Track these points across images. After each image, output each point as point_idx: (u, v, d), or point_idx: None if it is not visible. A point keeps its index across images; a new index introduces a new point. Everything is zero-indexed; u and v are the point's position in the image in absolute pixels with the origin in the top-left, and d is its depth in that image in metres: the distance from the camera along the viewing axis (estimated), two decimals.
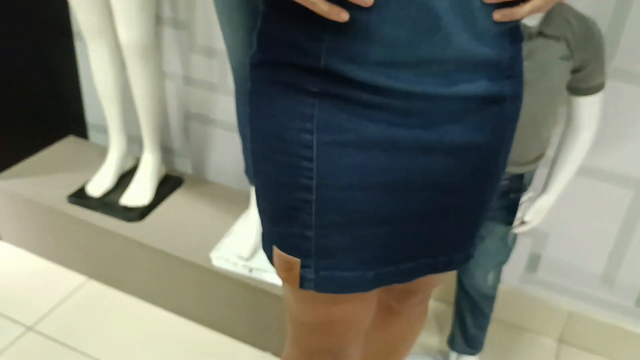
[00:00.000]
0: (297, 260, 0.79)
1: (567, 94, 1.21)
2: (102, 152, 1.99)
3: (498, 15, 0.68)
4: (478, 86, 0.72)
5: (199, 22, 1.72)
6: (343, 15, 0.64)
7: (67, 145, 2.04)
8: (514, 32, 0.73)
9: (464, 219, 0.83)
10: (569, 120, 1.24)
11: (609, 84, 1.34)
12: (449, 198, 0.79)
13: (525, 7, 0.68)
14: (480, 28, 0.67)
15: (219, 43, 1.72)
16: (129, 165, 1.87)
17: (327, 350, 0.94)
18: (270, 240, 0.83)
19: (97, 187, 1.76)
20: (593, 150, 1.42)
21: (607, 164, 1.44)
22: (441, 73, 0.69)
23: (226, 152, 1.90)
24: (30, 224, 1.82)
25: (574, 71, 1.14)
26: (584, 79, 1.16)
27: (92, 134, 2.14)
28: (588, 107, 1.20)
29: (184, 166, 2.00)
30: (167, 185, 1.83)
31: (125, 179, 1.83)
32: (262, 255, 1.58)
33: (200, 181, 1.91)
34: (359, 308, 0.89)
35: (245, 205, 1.77)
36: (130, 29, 1.52)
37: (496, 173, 0.83)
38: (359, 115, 0.70)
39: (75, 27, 1.96)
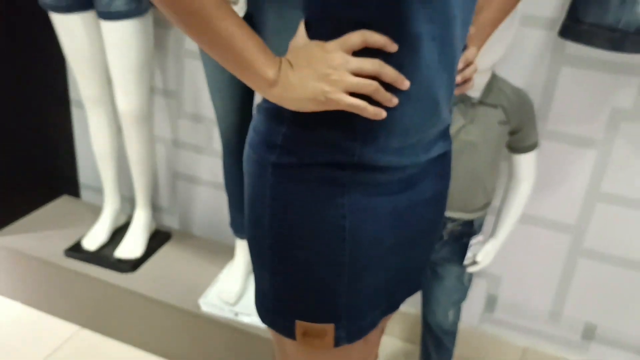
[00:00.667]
0: (331, 326, 0.87)
1: (508, 151, 1.44)
2: (94, 210, 2.15)
3: (458, 91, 0.89)
4: (440, 147, 0.89)
5: (187, 91, 1.93)
6: (383, 114, 0.74)
7: (61, 204, 2.19)
8: None
9: (430, 248, 1.02)
10: (511, 174, 1.46)
11: (545, 143, 1.57)
12: (428, 236, 0.97)
13: (470, 84, 0.91)
14: (451, 103, 0.88)
15: (205, 110, 1.93)
16: (121, 221, 2.03)
17: None
18: (293, 315, 0.88)
19: (93, 241, 1.91)
20: (534, 200, 1.64)
21: (547, 212, 1.66)
22: (427, 144, 0.85)
23: (210, 208, 2.08)
24: (26, 278, 1.95)
25: (511, 133, 1.37)
26: (520, 140, 1.39)
27: (84, 193, 2.30)
28: (525, 163, 1.42)
29: (171, 222, 2.16)
30: (157, 239, 1.99)
31: (118, 234, 1.98)
32: (246, 301, 1.74)
33: (186, 235, 2.07)
34: (369, 348, 1.03)
35: (229, 256, 1.93)
36: (128, 98, 1.71)
37: (445, 210, 1.02)
38: (374, 194, 0.82)
39: (73, 95, 2.15)
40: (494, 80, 1.33)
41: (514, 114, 1.34)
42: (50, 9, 1.65)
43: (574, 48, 1.46)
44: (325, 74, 0.72)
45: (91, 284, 1.84)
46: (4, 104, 1.94)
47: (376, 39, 0.71)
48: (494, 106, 1.32)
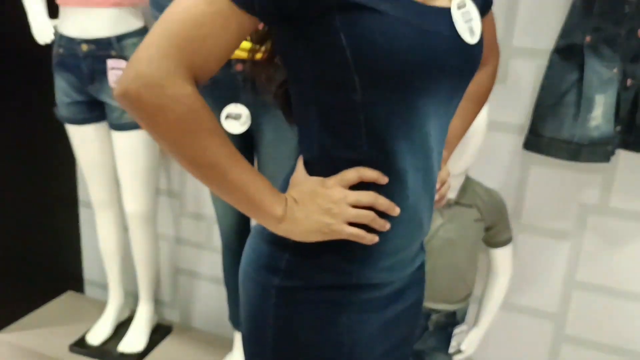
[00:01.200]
0: None
1: (485, 246, 1.56)
2: (98, 305, 2.24)
3: (435, 206, 0.95)
4: (420, 257, 0.97)
5: (189, 192, 2.08)
6: (377, 239, 0.82)
7: (66, 300, 2.28)
8: None
9: (411, 346, 1.10)
10: (490, 267, 1.58)
11: (522, 236, 1.70)
12: (409, 337, 1.05)
13: (444, 200, 1.03)
14: (431, 219, 0.93)
15: (206, 209, 2.06)
16: (125, 315, 2.12)
17: None
18: None
19: (97, 336, 1.99)
20: (516, 289, 1.74)
21: (529, 301, 1.76)
22: (412, 258, 0.92)
23: (210, 302, 2.17)
24: None
25: (487, 229, 1.50)
26: (495, 235, 1.52)
27: (88, 289, 2.39)
28: (502, 256, 1.55)
29: (172, 315, 2.25)
30: (158, 333, 2.07)
31: (121, 327, 2.06)
32: None
33: (187, 329, 2.16)
34: None
35: (228, 348, 2.00)
36: (135, 201, 1.85)
37: (421, 311, 1.09)
38: (368, 310, 0.89)
39: (80, 197, 2.29)
40: (468, 183, 1.47)
41: (488, 212, 1.47)
42: (67, 122, 1.82)
43: None
44: (328, 208, 0.79)
45: None
46: (15, 203, 2.07)
47: (369, 174, 0.80)
48: (469, 206, 1.46)
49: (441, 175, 0.99)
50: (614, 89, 1.28)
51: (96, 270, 2.36)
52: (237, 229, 1.68)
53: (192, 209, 2.09)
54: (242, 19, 0.72)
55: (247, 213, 0.82)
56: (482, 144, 1.44)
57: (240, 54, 1.41)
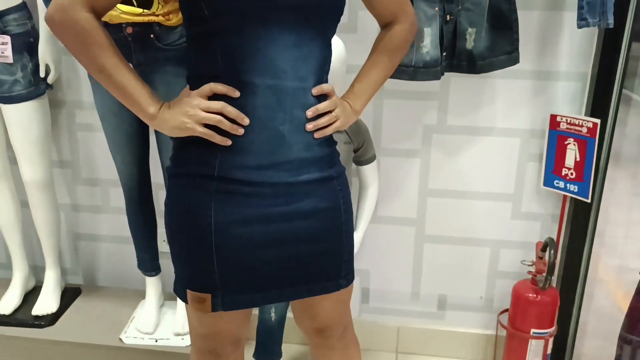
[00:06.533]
0: (208, 295, 1.14)
1: (355, 165, 1.89)
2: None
3: (317, 135, 1.14)
4: (314, 174, 1.14)
5: (82, 160, 2.20)
6: (228, 142, 1.06)
7: None
8: (329, 140, 1.21)
9: (325, 258, 1.21)
10: (360, 183, 1.91)
11: (382, 158, 2.05)
12: (311, 244, 1.18)
13: (329, 129, 1.16)
14: (308, 141, 1.12)
15: (100, 174, 2.20)
16: (30, 286, 2.21)
17: (213, 351, 1.29)
18: (184, 285, 1.18)
19: (7, 306, 2.07)
20: (381, 204, 2.10)
21: (393, 212, 2.13)
22: (291, 169, 1.10)
23: (113, 260, 2.32)
24: None
25: (355, 150, 1.82)
26: (362, 155, 1.84)
27: None
28: (369, 172, 1.88)
29: (77, 280, 2.36)
30: (68, 295, 2.19)
31: (28, 296, 2.16)
32: (162, 328, 2.00)
33: (95, 288, 2.29)
34: (236, 321, 1.26)
35: (140, 297, 2.18)
36: (33, 169, 1.95)
37: (340, 225, 1.22)
38: (241, 203, 1.09)
39: None
40: None
41: (354, 135, 1.80)
42: None
43: (390, 84, 1.96)
44: (186, 111, 1.06)
45: (13, 343, 1.98)
46: None
47: (219, 88, 1.04)
48: (340, 131, 1.76)
49: (318, 106, 1.13)
50: (437, 23, 1.64)
51: None
52: (136, 179, 1.85)
53: (86, 175, 2.22)
54: None
55: (130, 109, 1.09)
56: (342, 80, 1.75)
57: (129, 18, 1.61)
